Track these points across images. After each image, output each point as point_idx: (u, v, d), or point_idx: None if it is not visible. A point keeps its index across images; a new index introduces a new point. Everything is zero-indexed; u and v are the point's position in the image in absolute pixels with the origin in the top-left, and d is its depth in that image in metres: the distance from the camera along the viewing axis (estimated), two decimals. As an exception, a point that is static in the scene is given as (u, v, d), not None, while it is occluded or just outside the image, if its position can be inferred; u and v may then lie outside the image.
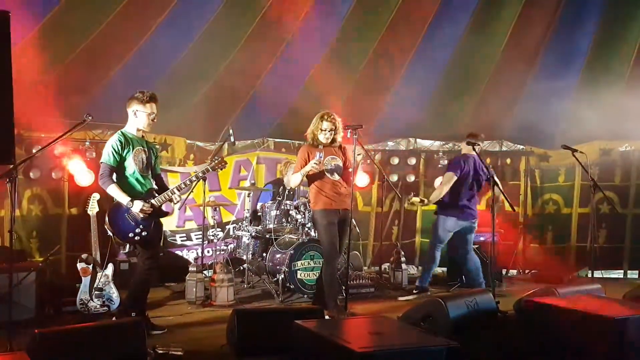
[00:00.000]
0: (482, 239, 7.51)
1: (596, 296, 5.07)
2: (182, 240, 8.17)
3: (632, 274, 8.80)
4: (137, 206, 4.97)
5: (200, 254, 7.22)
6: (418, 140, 9.56)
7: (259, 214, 7.40)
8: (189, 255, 8.11)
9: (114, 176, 5.03)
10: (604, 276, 7.91)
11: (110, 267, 5.89)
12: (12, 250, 4.74)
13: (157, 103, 5.17)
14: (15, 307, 4.84)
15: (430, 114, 8.76)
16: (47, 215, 7.19)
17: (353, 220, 6.75)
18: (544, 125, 8.59)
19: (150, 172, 5.24)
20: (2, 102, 3.67)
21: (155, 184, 5.33)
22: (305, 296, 6.58)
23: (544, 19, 8.39)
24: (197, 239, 8.13)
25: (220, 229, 7.86)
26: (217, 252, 7.52)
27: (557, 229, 9.07)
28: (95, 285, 5.64)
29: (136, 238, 5.05)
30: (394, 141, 9.61)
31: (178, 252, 8.11)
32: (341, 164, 5.97)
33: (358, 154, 5.78)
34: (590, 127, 8.16)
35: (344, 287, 6.42)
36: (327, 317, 5.21)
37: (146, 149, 5.22)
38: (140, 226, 5.04)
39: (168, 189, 5.28)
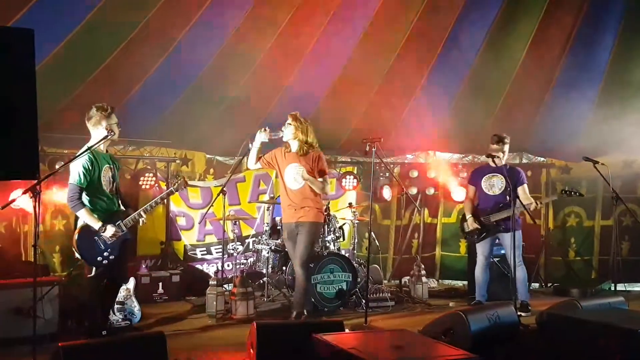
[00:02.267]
0: (503, 252, 7.45)
1: (619, 309, 5.01)
2: (202, 254, 8.21)
3: (656, 287, 8.66)
4: (110, 231, 4.92)
5: (220, 268, 7.25)
6: (437, 153, 9.54)
7: (278, 227, 7.42)
8: (209, 269, 8.15)
9: (84, 198, 4.94)
10: (627, 289, 7.81)
11: (132, 281, 5.96)
12: (35, 265, 4.79)
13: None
14: (39, 321, 4.89)
15: (449, 126, 8.75)
16: (70, 230, 7.23)
17: (372, 233, 6.75)
18: (565, 137, 8.54)
19: (115, 189, 5.17)
20: (27, 119, 3.74)
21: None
22: (326, 309, 6.57)
23: (562, 33, 8.35)
24: (217, 252, 8.17)
25: (240, 243, 7.89)
26: (237, 266, 7.54)
27: (579, 241, 8.98)
28: (116, 300, 5.68)
29: (104, 262, 4.99)
30: (413, 154, 9.60)
31: (198, 266, 8.16)
32: (301, 174, 5.91)
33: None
34: (612, 138, 8.10)
35: (363, 301, 6.42)
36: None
37: (112, 166, 5.17)
38: (109, 249, 4.98)
39: (126, 204, 5.27)
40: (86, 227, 4.94)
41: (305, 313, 5.94)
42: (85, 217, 4.92)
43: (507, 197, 6.68)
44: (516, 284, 6.65)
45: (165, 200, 7.96)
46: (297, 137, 5.91)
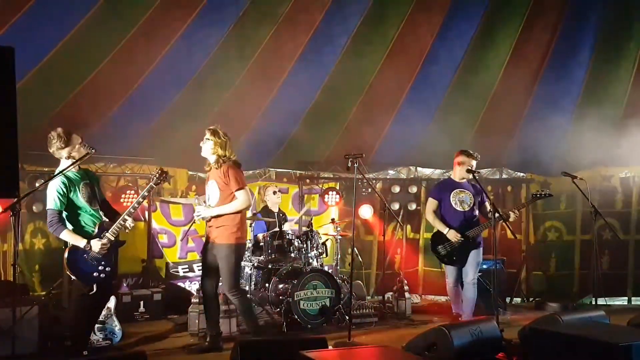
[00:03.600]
0: (485, 267, 7.48)
1: (600, 323, 5.05)
2: (184, 272, 8.14)
3: (636, 301, 8.72)
4: (96, 246, 4.87)
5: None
6: (419, 168, 9.60)
7: (260, 244, 7.40)
8: (192, 287, 8.07)
9: (64, 220, 4.90)
10: (608, 303, 7.89)
11: (112, 300, 5.88)
12: (15, 284, 4.73)
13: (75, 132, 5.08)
14: (18, 341, 4.83)
15: (430, 142, 8.82)
16: (49, 249, 7.19)
17: (355, 249, 6.74)
18: (544, 152, 8.63)
19: (97, 202, 5.14)
20: (7, 136, 3.72)
21: (103, 211, 5.19)
22: (309, 326, 6.55)
23: (539, 49, 8.50)
24: (199, 270, 8.10)
25: (222, 260, 7.84)
26: (220, 283, 7.49)
27: (559, 256, 9.05)
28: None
29: (101, 276, 4.93)
30: (395, 170, 9.64)
31: (180, 284, 8.09)
32: (214, 190, 5.63)
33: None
34: (589, 154, 8.21)
35: (347, 317, 6.40)
36: None
37: (89, 181, 5.12)
38: (103, 262, 4.93)
39: (116, 212, 5.19)
40: (74, 247, 4.89)
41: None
42: (68, 238, 4.87)
43: (476, 213, 6.64)
44: (466, 302, 6.60)
45: (147, 217, 7.92)
46: (216, 152, 5.56)
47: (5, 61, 3.79)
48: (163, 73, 7.36)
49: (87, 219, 5.01)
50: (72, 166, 4.89)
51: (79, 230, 4.93)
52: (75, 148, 4.98)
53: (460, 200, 6.65)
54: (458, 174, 6.72)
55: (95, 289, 4.93)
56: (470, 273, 6.62)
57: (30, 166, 6.98)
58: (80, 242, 4.85)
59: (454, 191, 6.67)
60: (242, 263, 7.37)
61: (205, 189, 5.80)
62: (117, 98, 7.37)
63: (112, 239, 4.98)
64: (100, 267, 4.92)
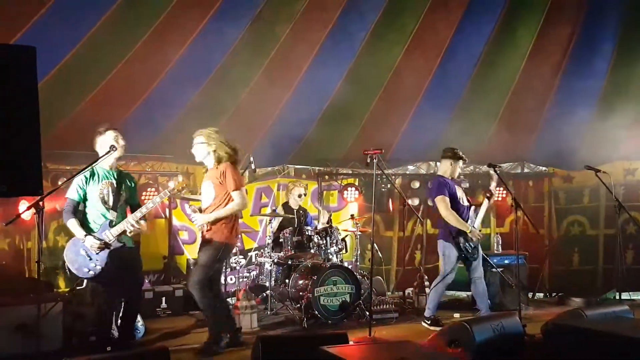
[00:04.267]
0: (507, 262, 7.44)
1: (625, 318, 5.00)
2: (205, 269, 8.18)
3: (661, 295, 8.63)
4: (88, 242, 4.94)
5: (223, 282, 7.24)
6: (438, 164, 9.53)
7: (280, 240, 7.43)
8: (212, 283, 8.11)
9: (77, 210, 5.05)
10: (632, 298, 7.79)
11: (135, 296, 5.93)
12: (39, 281, 4.80)
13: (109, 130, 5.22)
14: (43, 338, 4.89)
15: (450, 137, 8.76)
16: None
17: (375, 245, 6.72)
18: (566, 146, 8.55)
19: (117, 204, 5.17)
20: (30, 135, 3.74)
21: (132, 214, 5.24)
22: (330, 322, 6.55)
23: (560, 42, 8.39)
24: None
25: (242, 256, 7.89)
26: (240, 279, 7.53)
27: (583, 250, 8.96)
28: (120, 315, 5.66)
29: (90, 272, 4.97)
30: (415, 165, 9.60)
31: (201, 281, 8.13)
32: (209, 191, 5.55)
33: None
34: (613, 147, 8.11)
35: (367, 313, 6.40)
36: None
37: (115, 182, 5.19)
38: (96, 260, 4.98)
39: (145, 219, 5.24)
40: (75, 239, 5.02)
41: (224, 338, 5.52)
42: (72, 227, 5.03)
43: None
44: (481, 298, 6.61)
45: (168, 214, 7.98)
46: (209, 151, 5.54)
47: (27, 61, 3.82)
48: (181, 72, 7.39)
49: (95, 215, 5.11)
50: (94, 163, 5.01)
51: (85, 224, 5.06)
52: (101, 145, 5.15)
53: (463, 196, 6.70)
54: (451, 170, 6.71)
55: (84, 284, 5.02)
56: (479, 267, 6.65)
57: (53, 164, 7.07)
58: (79, 234, 4.99)
59: (457, 186, 6.71)
60: (261, 259, 7.43)
61: (201, 190, 5.79)
62: (136, 97, 7.42)
63: (110, 239, 5.02)
64: (91, 265, 4.97)
